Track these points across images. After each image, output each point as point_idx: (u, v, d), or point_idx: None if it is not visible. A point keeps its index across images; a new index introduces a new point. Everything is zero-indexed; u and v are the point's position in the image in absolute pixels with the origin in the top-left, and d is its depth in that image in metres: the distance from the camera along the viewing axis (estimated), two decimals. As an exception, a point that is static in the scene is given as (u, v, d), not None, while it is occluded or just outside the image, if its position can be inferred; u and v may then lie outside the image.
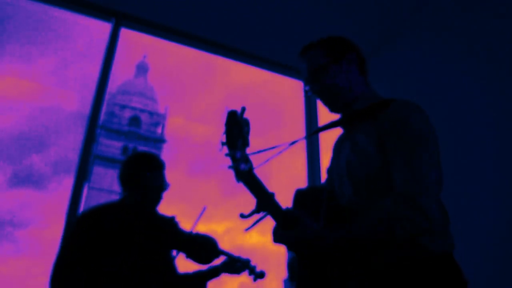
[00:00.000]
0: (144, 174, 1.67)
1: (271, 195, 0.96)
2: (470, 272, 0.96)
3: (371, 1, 2.66)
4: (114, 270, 1.49)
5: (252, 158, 0.93)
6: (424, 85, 2.51)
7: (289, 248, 0.98)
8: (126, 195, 1.69)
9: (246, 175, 0.91)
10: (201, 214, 1.79)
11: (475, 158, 2.08)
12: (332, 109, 1.15)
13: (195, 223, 1.74)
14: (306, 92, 1.16)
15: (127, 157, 1.78)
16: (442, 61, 2.43)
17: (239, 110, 0.91)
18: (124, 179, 1.70)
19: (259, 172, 0.95)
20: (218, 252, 1.71)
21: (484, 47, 2.18)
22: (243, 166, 0.90)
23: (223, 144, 0.90)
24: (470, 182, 2.05)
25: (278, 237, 0.96)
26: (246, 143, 0.91)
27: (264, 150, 1.05)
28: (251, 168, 0.92)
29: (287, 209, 0.99)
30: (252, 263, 1.79)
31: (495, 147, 1.99)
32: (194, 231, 1.72)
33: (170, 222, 1.72)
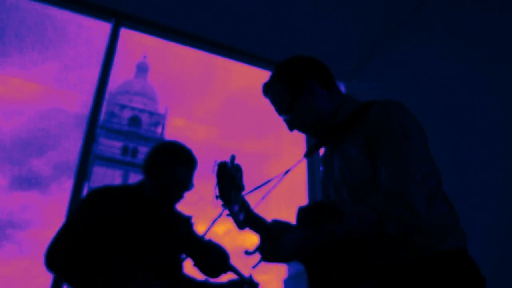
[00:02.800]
0: (171, 165, 1.49)
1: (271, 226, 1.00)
2: (485, 269, 0.95)
3: (371, 1, 2.66)
4: (116, 256, 1.34)
5: (251, 188, 1.02)
6: (424, 85, 2.51)
7: (283, 260, 0.96)
8: (146, 181, 1.53)
9: (247, 222, 0.99)
10: (220, 215, 1.53)
11: (475, 157, 2.08)
12: (317, 137, 1.13)
13: (211, 225, 1.44)
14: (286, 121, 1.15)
15: (157, 144, 1.59)
16: (442, 61, 2.43)
17: (228, 160, 0.99)
18: (148, 166, 1.51)
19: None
20: (227, 267, 1.51)
21: (484, 47, 2.18)
22: (242, 216, 0.96)
23: (217, 197, 0.96)
24: (469, 181, 2.05)
25: (266, 253, 0.96)
26: (241, 188, 0.97)
27: (260, 186, 1.10)
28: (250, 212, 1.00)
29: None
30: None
31: (495, 146, 1.99)
32: (207, 237, 1.50)
33: (186, 222, 1.57)
